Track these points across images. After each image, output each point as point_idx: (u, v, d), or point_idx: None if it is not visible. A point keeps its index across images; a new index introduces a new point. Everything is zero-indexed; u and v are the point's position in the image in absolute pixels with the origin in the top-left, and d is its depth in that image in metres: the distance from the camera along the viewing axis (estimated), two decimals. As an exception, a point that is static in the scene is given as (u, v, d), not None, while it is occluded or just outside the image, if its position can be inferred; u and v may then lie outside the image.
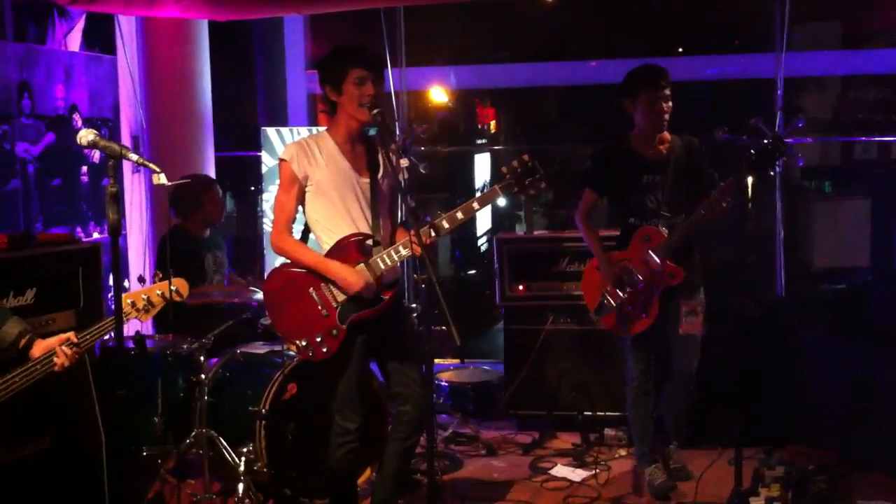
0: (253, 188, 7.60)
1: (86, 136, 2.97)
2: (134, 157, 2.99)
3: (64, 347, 3.09)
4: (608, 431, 5.26)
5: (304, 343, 3.74)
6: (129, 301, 3.23)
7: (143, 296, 3.39)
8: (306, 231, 3.97)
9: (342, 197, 3.77)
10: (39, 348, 3.09)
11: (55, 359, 3.09)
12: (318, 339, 3.73)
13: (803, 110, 7.46)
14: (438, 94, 7.90)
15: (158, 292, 3.31)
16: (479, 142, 9.99)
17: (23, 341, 3.10)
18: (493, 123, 10.02)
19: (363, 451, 3.96)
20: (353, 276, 3.69)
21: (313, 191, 3.79)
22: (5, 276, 3.95)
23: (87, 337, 3.17)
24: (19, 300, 3.99)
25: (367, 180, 3.80)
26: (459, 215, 3.70)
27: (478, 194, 3.73)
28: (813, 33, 7.60)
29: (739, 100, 7.32)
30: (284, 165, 3.79)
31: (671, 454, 4.64)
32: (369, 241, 3.78)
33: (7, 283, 3.95)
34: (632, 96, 4.34)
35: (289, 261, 3.84)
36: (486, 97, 9.65)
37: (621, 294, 4.34)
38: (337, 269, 3.72)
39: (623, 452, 5.08)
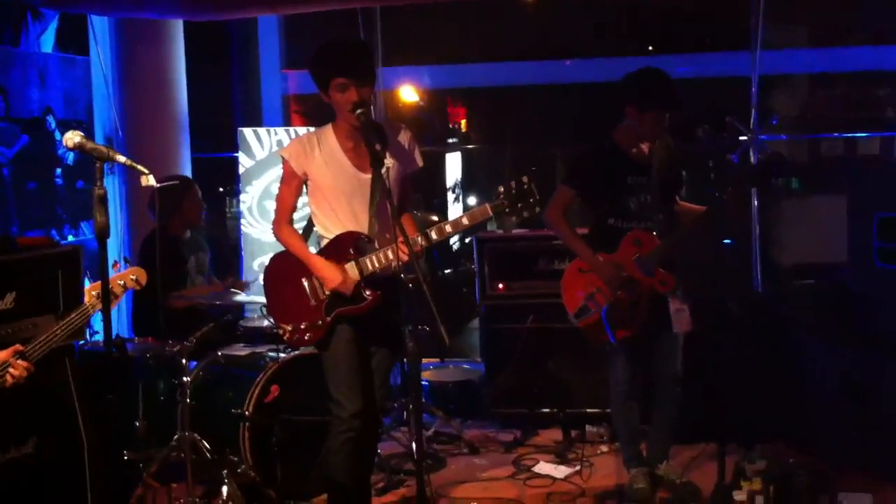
0: (222, 189, 7.58)
1: (72, 137, 2.92)
2: (122, 158, 2.95)
3: (19, 361, 2.96)
4: (590, 428, 5.29)
5: (289, 327, 3.83)
6: (93, 293, 3.17)
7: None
8: (309, 225, 4.01)
9: (341, 193, 3.80)
10: None
11: (10, 370, 2.95)
12: (303, 326, 3.80)
13: (775, 109, 7.55)
14: (409, 94, 7.91)
15: (120, 282, 3.27)
16: (450, 141, 10.02)
17: None
18: (463, 122, 10.06)
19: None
20: (331, 273, 3.73)
21: (313, 187, 3.85)
22: (-15, 281, 3.91)
23: (36, 348, 3.02)
24: (-1, 304, 3.95)
25: (368, 177, 3.80)
26: (448, 228, 3.71)
27: (461, 201, 3.75)
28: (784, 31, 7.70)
29: (712, 98, 7.39)
30: (284, 162, 3.87)
31: (667, 473, 4.51)
32: (364, 240, 3.80)
33: (-14, 288, 3.91)
34: (641, 107, 4.20)
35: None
36: (458, 97, 9.69)
37: (611, 298, 4.24)
38: (317, 264, 3.77)
39: (605, 449, 5.13)
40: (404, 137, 3.91)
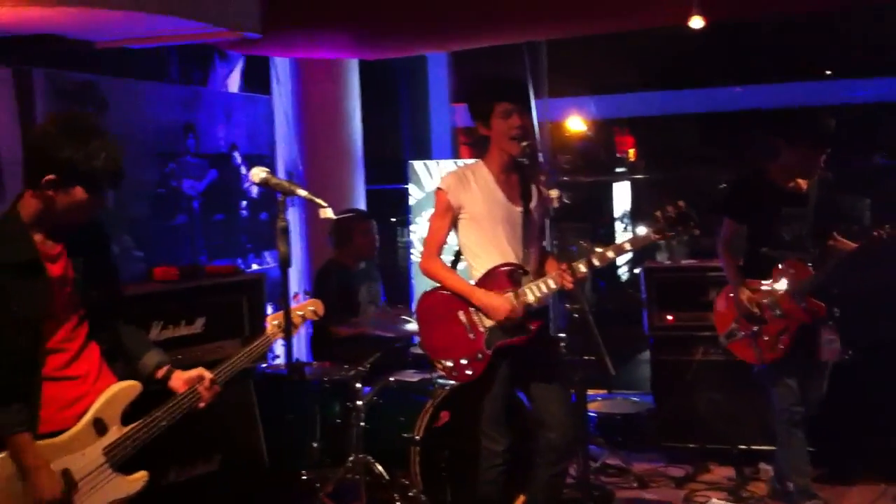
0: (394, 219, 7.79)
1: (258, 173, 3.07)
2: (302, 192, 3.08)
3: (205, 386, 3.06)
4: (763, 466, 5.11)
5: (449, 364, 3.83)
6: (274, 322, 3.32)
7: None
8: (457, 257, 4.07)
9: (495, 226, 3.83)
10: (178, 381, 3.05)
11: (202, 394, 3.05)
12: (464, 362, 3.80)
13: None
14: (577, 124, 7.93)
15: (299, 313, 3.41)
16: (617, 170, 9.95)
17: (160, 372, 3.05)
18: (631, 152, 9.96)
19: (515, 476, 3.99)
20: (499, 304, 3.74)
21: (467, 219, 3.86)
22: (178, 306, 4.20)
23: (223, 371, 3.12)
24: (190, 329, 4.24)
25: (520, 210, 3.85)
26: (611, 254, 3.71)
27: (629, 230, 3.76)
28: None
29: (884, 123, 7.07)
30: (440, 193, 3.88)
31: None
32: (519, 271, 3.82)
33: (179, 313, 4.20)
34: (797, 146, 4.31)
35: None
36: (625, 126, 9.62)
37: (755, 326, 4.34)
38: (482, 296, 3.77)
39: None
40: (543, 176, 3.94)
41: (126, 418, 2.93)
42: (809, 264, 4.32)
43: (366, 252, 5.42)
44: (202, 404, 3.06)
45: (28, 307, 2.72)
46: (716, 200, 4.63)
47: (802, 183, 4.39)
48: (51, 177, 2.69)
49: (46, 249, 2.80)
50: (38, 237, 2.79)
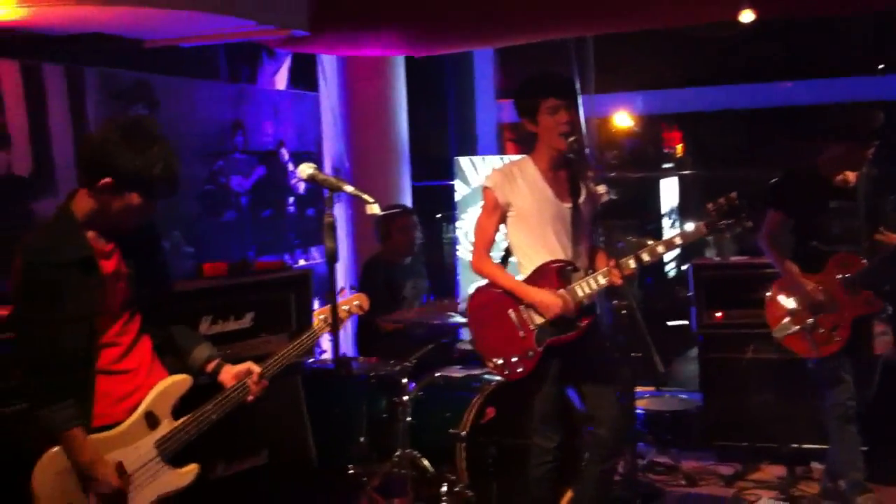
0: (438, 216, 7.80)
1: (305, 169, 3.09)
2: (349, 188, 3.09)
3: (253, 380, 3.09)
4: (815, 465, 5.03)
5: (500, 361, 3.82)
6: (321, 316, 3.34)
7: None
8: (506, 255, 4.06)
9: (543, 223, 3.81)
10: (227, 375, 3.09)
11: (250, 388, 3.09)
12: (514, 360, 3.80)
13: None
14: (624, 120, 7.87)
15: (345, 307, 3.43)
16: (665, 166, 9.86)
17: (210, 366, 3.10)
18: (679, 147, 9.86)
19: (563, 472, 3.98)
20: (552, 301, 3.73)
21: (515, 216, 3.86)
22: (227, 301, 4.25)
23: (271, 366, 3.15)
24: (238, 324, 4.28)
25: (569, 206, 3.83)
26: (661, 249, 3.68)
27: (677, 226, 3.73)
28: None
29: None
30: (488, 192, 3.87)
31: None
32: (569, 268, 3.81)
33: (228, 308, 4.25)
34: (844, 140, 4.28)
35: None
36: (673, 122, 9.52)
37: (810, 319, 4.29)
38: (534, 293, 3.77)
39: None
40: (591, 173, 3.92)
41: (176, 412, 2.98)
42: (864, 259, 4.28)
43: (403, 249, 5.43)
44: (250, 398, 3.10)
45: (82, 304, 2.77)
46: (763, 195, 4.56)
47: (851, 176, 4.35)
48: (108, 181, 2.73)
49: (99, 246, 2.84)
50: (90, 234, 2.83)
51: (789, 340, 4.40)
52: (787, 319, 4.38)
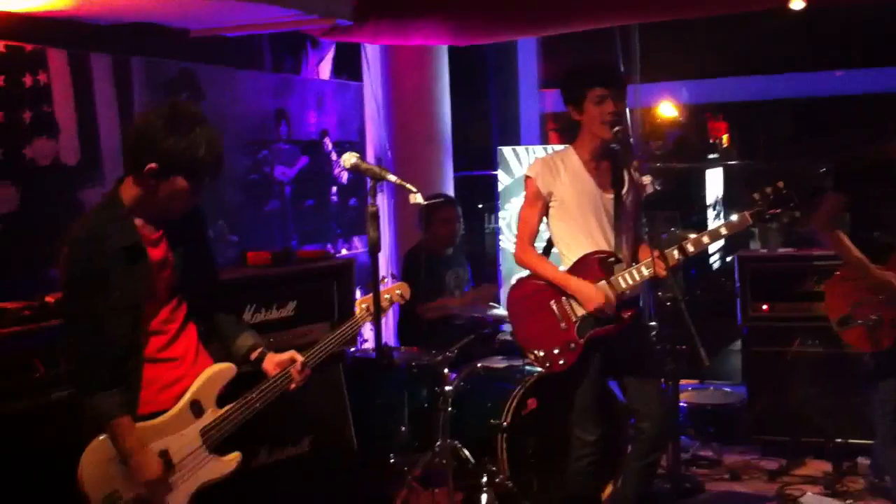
0: (480, 206, 7.78)
1: (349, 159, 3.09)
2: (392, 177, 3.10)
3: (296, 369, 3.10)
4: (862, 460, 4.95)
5: (541, 353, 3.81)
6: (363, 305, 3.34)
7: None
8: (549, 246, 4.04)
9: (585, 213, 3.79)
10: (271, 363, 3.09)
11: (293, 377, 3.10)
12: (556, 352, 3.78)
13: None
14: (669, 110, 7.79)
15: (387, 296, 3.43)
16: (710, 157, 9.75)
17: (254, 354, 3.10)
18: (725, 138, 9.74)
19: (605, 465, 3.96)
20: (594, 293, 3.71)
21: (557, 207, 3.83)
22: (270, 290, 4.27)
23: (314, 355, 3.16)
24: (281, 312, 4.30)
25: (611, 196, 3.80)
26: (706, 240, 3.64)
27: (722, 218, 3.67)
28: None
29: None
30: (530, 182, 3.86)
31: None
32: (612, 259, 3.78)
33: (271, 297, 4.26)
34: None
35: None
36: (718, 111, 9.40)
37: (870, 313, 4.05)
38: (577, 284, 3.74)
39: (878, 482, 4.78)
40: (636, 164, 3.87)
41: (220, 400, 3.00)
42: None
43: (446, 239, 5.42)
44: (293, 386, 3.11)
45: (130, 291, 2.79)
46: (815, 183, 4.43)
47: None
48: (153, 165, 2.74)
49: (147, 233, 2.87)
50: (138, 221, 2.85)
51: (848, 334, 4.17)
52: (849, 312, 4.13)
